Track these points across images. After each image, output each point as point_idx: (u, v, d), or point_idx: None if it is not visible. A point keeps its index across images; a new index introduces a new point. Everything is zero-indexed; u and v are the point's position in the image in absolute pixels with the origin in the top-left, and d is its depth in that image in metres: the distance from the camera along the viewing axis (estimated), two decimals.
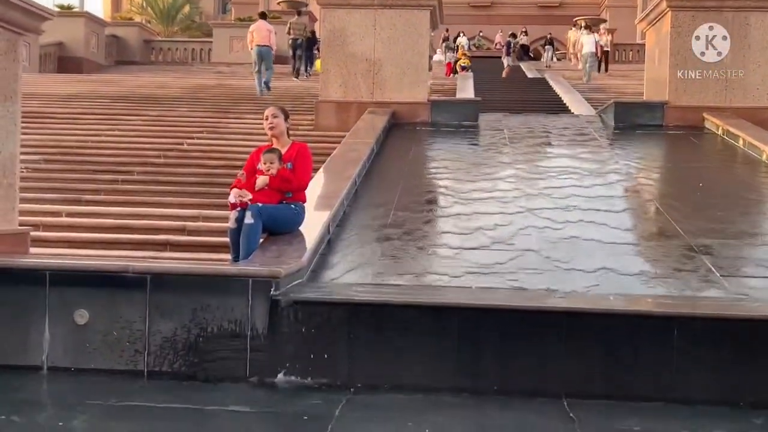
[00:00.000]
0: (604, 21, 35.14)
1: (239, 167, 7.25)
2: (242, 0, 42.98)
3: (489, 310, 5.19)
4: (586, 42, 24.62)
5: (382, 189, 9.18)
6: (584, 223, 7.74)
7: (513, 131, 12.65)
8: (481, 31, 44.97)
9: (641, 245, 7.39)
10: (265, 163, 6.59)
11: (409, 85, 13.44)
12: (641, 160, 11.05)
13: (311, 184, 7.45)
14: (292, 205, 6.66)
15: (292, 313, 5.09)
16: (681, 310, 5.28)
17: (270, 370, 5.04)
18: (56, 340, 5.16)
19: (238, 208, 6.39)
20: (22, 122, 6.94)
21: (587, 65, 24.06)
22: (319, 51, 20.39)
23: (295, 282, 5.58)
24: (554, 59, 33.04)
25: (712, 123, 12.72)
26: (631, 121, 13.28)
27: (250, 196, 6.39)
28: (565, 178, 9.46)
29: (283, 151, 6.75)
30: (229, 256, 6.60)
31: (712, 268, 6.57)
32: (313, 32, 24.19)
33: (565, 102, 19.29)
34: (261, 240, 6.38)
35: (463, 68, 26.61)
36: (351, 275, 6.42)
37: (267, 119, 6.88)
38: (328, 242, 7.07)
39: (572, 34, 29.93)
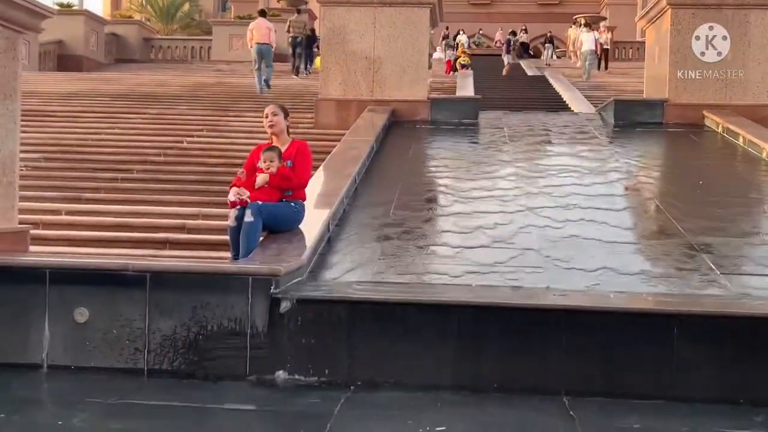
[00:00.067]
0: (604, 19, 35.09)
1: (239, 165, 7.25)
2: None
3: (489, 308, 5.19)
4: (585, 39, 24.61)
5: (382, 187, 9.17)
6: (585, 222, 7.72)
7: (513, 129, 12.64)
8: (480, 29, 44.94)
9: (642, 244, 7.37)
10: (264, 162, 6.58)
11: (408, 83, 13.43)
12: (641, 158, 11.04)
13: (311, 182, 7.45)
14: (292, 203, 6.66)
15: (292, 311, 5.09)
16: (681, 308, 5.27)
17: (270, 368, 5.04)
18: (56, 338, 5.16)
19: (238, 206, 6.38)
20: (22, 120, 6.93)
21: (587, 63, 24.05)
22: (318, 49, 20.39)
23: (295, 280, 5.58)
24: (554, 57, 33.03)
25: (711, 120, 12.71)
26: (631, 118, 13.27)
27: (248, 194, 6.39)
28: (565, 177, 9.45)
29: (283, 149, 6.75)
30: (228, 255, 6.60)
31: (713, 267, 6.57)
32: (312, 30, 24.19)
33: (564, 100, 19.28)
34: (261, 238, 6.38)
35: (463, 66, 26.59)
36: (351, 273, 6.42)
37: (267, 117, 6.88)
38: (328, 240, 7.06)
39: (572, 32, 29.91)
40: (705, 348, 4.92)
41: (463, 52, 28.41)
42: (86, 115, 14.76)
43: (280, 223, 6.57)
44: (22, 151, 7.11)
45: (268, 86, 17.68)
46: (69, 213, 9.28)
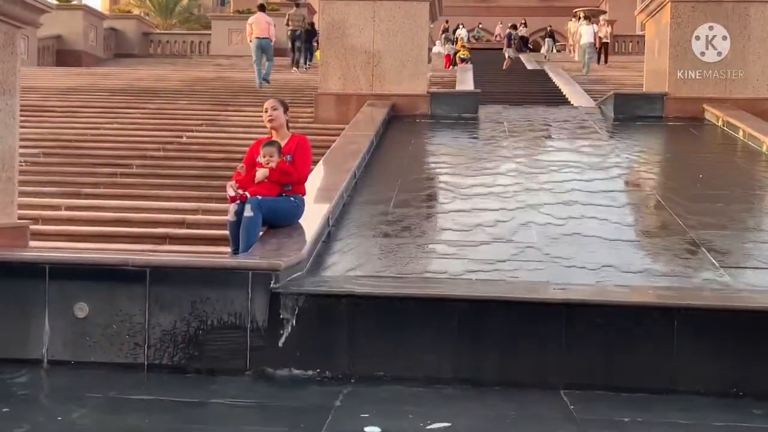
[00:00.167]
0: (604, 12, 35.09)
1: (238, 160, 7.24)
2: None
3: (489, 302, 5.19)
4: (584, 32, 24.57)
5: (381, 182, 9.17)
6: (586, 218, 7.66)
7: (513, 123, 12.63)
8: (480, 23, 44.90)
9: (643, 240, 7.31)
10: (264, 156, 6.58)
11: (408, 78, 13.42)
12: (642, 152, 11.02)
13: (311, 176, 7.44)
14: (292, 198, 6.65)
15: (292, 306, 5.09)
16: (681, 302, 5.27)
17: (270, 362, 5.05)
18: (56, 333, 5.16)
19: (238, 201, 6.38)
20: (21, 116, 6.92)
21: (586, 56, 24.00)
22: (318, 43, 20.37)
23: (295, 275, 5.58)
24: (554, 51, 32.99)
25: (711, 114, 12.70)
26: (630, 112, 13.26)
27: (240, 189, 6.38)
28: (566, 172, 9.41)
29: (283, 143, 6.75)
30: (228, 249, 6.60)
31: (715, 262, 6.54)
32: (312, 24, 24.16)
33: (564, 94, 19.27)
34: (260, 233, 6.37)
35: (463, 60, 26.57)
36: (351, 267, 6.41)
37: (266, 112, 6.87)
38: (328, 235, 7.06)
39: (572, 26, 29.90)
40: (705, 341, 4.92)
41: (463, 46, 28.38)
42: (85, 110, 14.75)
43: (279, 218, 6.57)
44: (21, 147, 7.10)
45: (267, 82, 17.66)
46: (68, 208, 9.28)
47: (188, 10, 42.30)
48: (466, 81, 21.14)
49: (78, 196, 9.85)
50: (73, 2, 30.35)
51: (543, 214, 7.79)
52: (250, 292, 5.09)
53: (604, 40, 26.94)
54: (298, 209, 6.71)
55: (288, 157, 6.67)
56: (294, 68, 22.08)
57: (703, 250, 6.82)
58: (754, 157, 10.56)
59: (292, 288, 5.23)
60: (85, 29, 27.37)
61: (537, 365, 4.97)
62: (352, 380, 4.94)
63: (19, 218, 6.84)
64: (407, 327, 5.07)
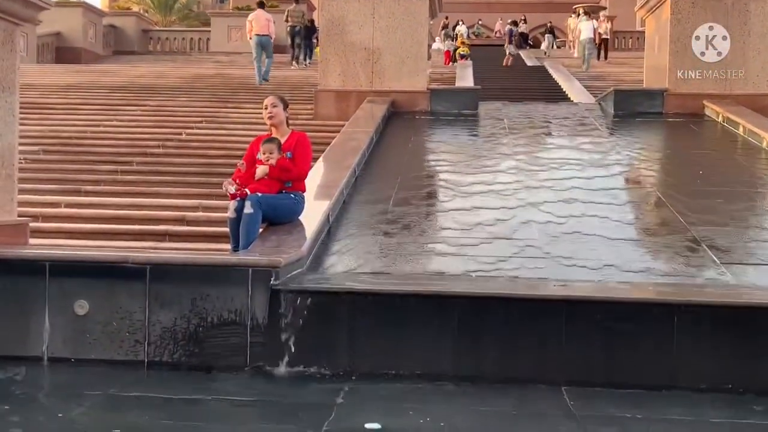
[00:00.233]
0: (604, 8, 35.00)
1: (238, 157, 7.23)
2: None
3: (489, 299, 5.19)
4: (584, 28, 24.49)
5: (382, 178, 9.16)
6: (587, 216, 7.61)
7: (513, 120, 12.62)
8: (480, 20, 44.81)
9: (644, 238, 7.27)
10: (264, 153, 6.58)
11: (408, 74, 13.41)
12: (642, 149, 10.99)
13: (311, 173, 7.43)
14: (292, 195, 6.65)
15: (293, 303, 5.09)
16: (681, 298, 5.27)
17: (270, 359, 5.05)
18: (56, 330, 5.16)
19: (238, 198, 6.38)
20: (21, 113, 6.92)
21: (586, 52, 23.94)
22: (318, 40, 20.34)
23: (295, 271, 5.58)
24: (554, 47, 32.95)
25: (712, 110, 12.69)
26: (630, 108, 13.24)
27: (237, 187, 6.38)
28: (566, 170, 9.38)
29: (283, 140, 6.74)
30: (228, 246, 6.60)
31: (716, 260, 6.50)
32: (312, 21, 24.13)
33: (564, 90, 19.25)
34: (260, 230, 6.37)
35: (462, 56, 26.53)
36: (351, 264, 6.41)
37: (266, 109, 6.87)
38: (328, 232, 7.06)
39: (572, 22, 29.83)
40: (705, 338, 4.92)
41: (462, 43, 28.34)
42: (85, 107, 14.74)
43: (279, 215, 6.57)
44: (21, 144, 7.10)
45: (266, 80, 17.66)
46: (68, 205, 9.28)
47: (187, 7, 42.24)
48: (465, 77, 21.10)
49: (78, 193, 9.85)
50: None
51: (543, 212, 7.76)
52: (250, 289, 5.09)
53: (604, 36, 26.89)
54: (298, 206, 6.71)
55: (288, 153, 6.66)
56: (294, 63, 22.09)
57: (705, 247, 6.79)
58: (754, 153, 10.55)
59: (292, 285, 5.23)
60: (84, 26, 27.32)
61: (537, 362, 4.98)
62: (353, 377, 4.94)
63: (19, 216, 6.84)
64: (407, 324, 5.08)
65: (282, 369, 5.02)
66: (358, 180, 8.89)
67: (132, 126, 13.20)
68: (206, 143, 12.18)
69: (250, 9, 23.70)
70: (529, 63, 26.50)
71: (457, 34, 32.57)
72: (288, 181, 6.62)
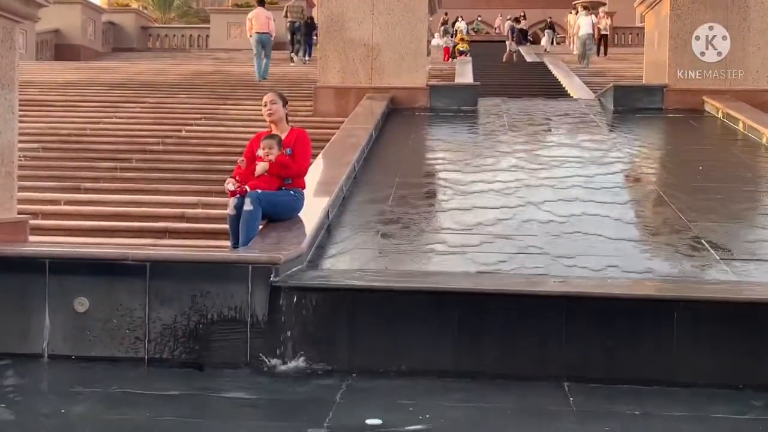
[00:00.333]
0: (603, 4, 34.95)
1: (238, 154, 7.23)
2: None
3: (489, 295, 5.19)
4: (583, 24, 24.43)
5: (381, 175, 9.16)
6: (587, 216, 7.56)
7: (512, 116, 12.61)
8: (479, 16, 44.79)
9: (645, 237, 7.22)
10: (263, 149, 6.57)
11: (407, 70, 13.39)
12: (642, 146, 10.95)
13: (310, 170, 7.43)
14: (292, 192, 6.65)
15: (292, 299, 5.09)
16: (681, 294, 5.28)
17: (270, 356, 5.05)
18: (56, 328, 5.16)
19: (237, 195, 6.37)
20: (20, 110, 6.92)
21: (585, 48, 23.89)
22: (317, 37, 20.33)
23: (295, 268, 5.58)
24: (554, 43, 32.92)
25: (711, 106, 12.68)
26: (630, 104, 13.24)
27: (238, 185, 6.38)
28: (567, 167, 9.36)
29: (282, 137, 6.74)
30: (228, 243, 6.60)
31: (718, 257, 6.48)
32: (311, 18, 24.11)
33: (564, 86, 19.25)
34: (260, 226, 6.37)
35: (461, 53, 26.53)
36: (351, 261, 6.42)
37: (265, 106, 6.86)
38: (328, 228, 7.06)
39: (572, 18, 29.79)
40: (705, 333, 4.92)
41: (462, 39, 28.33)
42: (84, 104, 14.74)
43: (279, 212, 6.57)
44: (20, 141, 7.09)
45: (265, 78, 17.65)
46: (68, 203, 9.28)
47: (187, 3, 42.13)
48: (465, 73, 21.11)
49: (77, 190, 9.84)
50: None
51: (544, 211, 7.71)
52: (250, 285, 5.10)
53: (603, 32, 26.86)
54: (298, 203, 6.71)
55: (287, 150, 6.66)
56: (293, 55, 22.10)
57: (706, 246, 6.74)
58: (754, 149, 10.55)
59: (292, 282, 5.24)
60: (83, 23, 27.31)
61: (537, 358, 4.98)
62: (353, 374, 4.95)
63: (19, 213, 6.83)
64: (407, 320, 5.08)
65: (282, 366, 5.03)
66: (358, 177, 8.89)
67: (131, 123, 13.20)
68: (206, 140, 12.18)
69: (249, 6, 23.73)
70: (528, 59, 26.49)
71: (456, 31, 32.58)
72: (288, 177, 6.62)
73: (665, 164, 10.37)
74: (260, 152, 6.59)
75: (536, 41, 35.71)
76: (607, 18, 27.93)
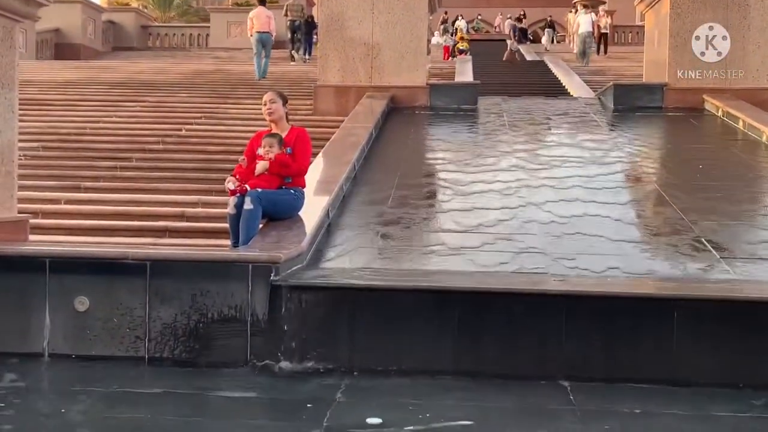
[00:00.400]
0: (604, 2, 34.95)
1: (238, 153, 7.23)
2: None
3: (489, 294, 5.19)
4: (582, 22, 24.39)
5: (381, 174, 9.16)
6: (588, 216, 7.51)
7: (512, 115, 12.60)
8: (479, 14, 44.78)
9: (647, 239, 7.17)
10: (264, 148, 6.58)
11: (407, 69, 13.40)
12: (643, 145, 10.94)
13: (310, 169, 7.43)
14: (292, 190, 6.65)
15: (293, 298, 5.09)
16: (681, 293, 5.28)
17: (270, 355, 5.05)
18: (57, 327, 5.17)
19: (237, 194, 6.38)
20: (20, 110, 6.91)
21: (585, 46, 23.85)
22: (317, 35, 20.33)
23: (295, 267, 5.58)
24: (554, 41, 32.92)
25: (711, 105, 12.68)
26: (630, 103, 13.24)
27: (238, 184, 6.38)
28: (567, 167, 9.33)
29: (283, 135, 6.74)
30: (228, 242, 6.60)
31: (720, 258, 6.46)
32: (311, 17, 24.11)
33: (564, 85, 19.25)
34: (260, 225, 6.37)
35: (461, 51, 26.53)
36: (351, 260, 6.41)
37: (265, 105, 6.86)
38: (328, 227, 7.06)
39: (572, 16, 29.79)
40: (706, 332, 4.92)
41: (462, 38, 28.33)
42: (84, 103, 14.74)
43: (279, 211, 6.57)
44: (20, 141, 7.09)
45: (264, 77, 17.65)
46: (68, 202, 9.28)
47: (187, 2, 42.12)
48: (465, 72, 21.11)
49: (78, 189, 9.85)
50: None
51: (545, 212, 7.67)
52: (250, 284, 5.10)
53: (603, 31, 26.86)
54: (298, 201, 6.71)
55: (288, 149, 6.66)
56: (293, 53, 22.12)
57: (708, 246, 6.70)
58: (754, 147, 10.54)
59: (292, 280, 5.24)
60: (83, 22, 27.31)
61: (537, 357, 4.98)
62: (353, 373, 4.95)
63: (19, 212, 6.83)
64: (408, 319, 5.08)
65: (282, 364, 5.03)
66: (358, 176, 8.89)
67: (131, 122, 13.20)
68: (206, 139, 12.18)
69: (249, 5, 23.73)
70: (528, 58, 26.48)
71: (456, 29, 32.58)
72: (288, 176, 6.62)
73: (666, 163, 10.36)
74: (261, 151, 6.59)
75: (536, 40, 35.70)
76: (608, 16, 27.94)
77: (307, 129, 7.15)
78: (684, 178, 9.08)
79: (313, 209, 6.85)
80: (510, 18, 31.72)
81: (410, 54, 13.42)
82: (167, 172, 10.51)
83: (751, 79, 13.00)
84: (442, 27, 33.78)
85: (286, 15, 22.75)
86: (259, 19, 18.21)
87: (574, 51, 25.56)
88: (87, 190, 9.88)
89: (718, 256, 6.50)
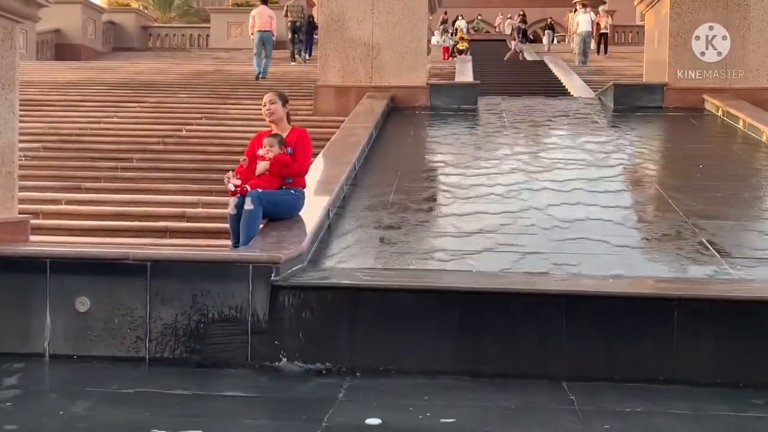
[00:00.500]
0: (604, 2, 34.96)
1: (238, 153, 7.24)
2: None
3: (490, 294, 5.20)
4: (581, 21, 24.37)
5: (381, 174, 9.16)
6: (590, 220, 7.48)
7: (512, 115, 12.61)
8: (479, 15, 44.78)
9: (650, 242, 7.14)
10: (264, 148, 6.59)
11: (407, 69, 13.41)
12: (643, 145, 10.93)
13: (311, 169, 7.44)
14: (292, 191, 6.66)
15: (293, 298, 5.09)
16: (681, 292, 5.28)
17: (271, 355, 5.06)
18: (57, 327, 5.17)
19: (238, 194, 6.38)
20: (20, 110, 6.92)
21: (584, 45, 23.82)
22: (317, 36, 20.34)
23: (296, 267, 5.58)
24: (555, 42, 32.92)
25: (711, 104, 12.68)
26: (630, 103, 13.25)
27: (239, 182, 6.38)
28: (568, 167, 9.31)
29: (284, 136, 6.74)
30: (229, 242, 6.60)
31: (722, 260, 6.46)
32: (312, 17, 24.12)
33: (564, 84, 19.25)
34: (261, 226, 6.38)
35: (461, 52, 26.53)
36: (351, 260, 6.42)
37: (265, 106, 6.86)
38: (328, 228, 7.06)
39: (571, 16, 29.78)
40: (706, 332, 4.92)
41: (461, 38, 28.32)
42: (85, 104, 14.75)
43: (280, 211, 6.57)
44: (21, 141, 7.10)
45: (264, 77, 17.66)
46: (69, 202, 9.28)
47: (187, 3, 42.14)
48: (465, 72, 21.11)
49: (78, 190, 9.85)
50: None
51: (545, 215, 7.62)
52: (250, 285, 5.10)
53: (604, 31, 26.85)
54: (299, 202, 6.71)
55: (289, 149, 6.67)
56: (297, 57, 22.13)
57: (709, 247, 6.70)
58: (754, 147, 10.54)
59: (293, 281, 5.24)
60: (83, 23, 27.31)
61: (538, 357, 4.98)
62: (354, 373, 4.95)
63: (20, 213, 6.84)
64: (408, 319, 5.08)
65: (283, 365, 5.03)
66: (358, 176, 8.89)
67: (132, 122, 13.21)
68: (206, 139, 12.19)
69: (249, 5, 23.74)
70: (528, 58, 26.49)
71: (456, 29, 32.57)
72: (288, 176, 6.62)
73: (667, 164, 10.36)
74: (261, 151, 6.60)
75: (536, 40, 35.69)
76: (608, 16, 27.93)
77: (308, 129, 7.15)
78: (685, 179, 9.06)
79: (313, 209, 6.86)
80: (511, 18, 31.70)
81: (410, 54, 13.43)
82: (168, 173, 10.51)
83: (751, 79, 13.01)
84: (441, 27, 33.77)
85: (286, 16, 22.76)
86: (260, 17, 18.24)
87: (575, 51, 25.55)
88: (87, 190, 9.89)
89: (721, 258, 6.48)
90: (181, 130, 12.64)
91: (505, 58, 26.58)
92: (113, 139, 12.15)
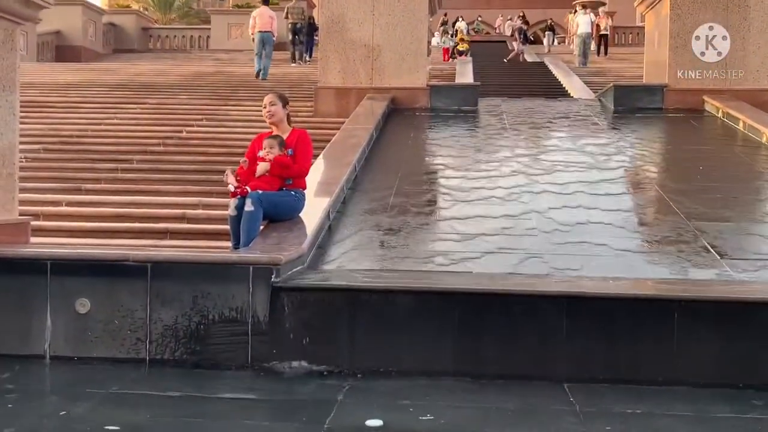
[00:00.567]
0: (604, 4, 34.95)
1: (239, 154, 7.24)
2: None
3: (490, 295, 5.19)
4: (581, 22, 24.37)
5: (382, 175, 9.16)
6: (591, 223, 7.47)
7: (512, 116, 12.61)
8: (480, 16, 44.80)
9: (651, 245, 7.14)
10: (264, 149, 6.59)
11: (408, 71, 13.42)
12: (644, 147, 10.92)
13: (311, 170, 7.43)
14: (293, 192, 6.66)
15: (294, 300, 5.09)
16: (682, 294, 5.28)
17: (272, 356, 5.06)
18: (58, 329, 5.17)
19: (238, 196, 6.38)
20: (21, 112, 6.92)
21: (584, 46, 23.81)
22: (318, 37, 20.36)
23: (296, 269, 5.59)
24: (555, 43, 32.95)
25: (711, 105, 12.69)
26: (630, 104, 13.25)
27: (237, 183, 6.39)
28: (568, 169, 9.31)
29: (284, 137, 6.75)
30: (229, 244, 6.60)
31: (722, 260, 6.46)
32: (312, 18, 24.14)
33: (564, 86, 19.25)
34: (261, 227, 6.38)
35: (461, 53, 26.54)
36: (351, 261, 6.42)
37: (265, 107, 6.86)
38: (329, 229, 7.06)
39: (571, 17, 29.79)
40: (706, 333, 4.92)
41: (462, 40, 28.33)
42: (85, 105, 14.75)
43: (280, 212, 6.57)
44: (21, 143, 7.09)
45: (265, 78, 17.67)
46: (69, 204, 9.29)
47: (187, 4, 42.19)
48: (465, 74, 21.12)
49: (78, 191, 9.86)
50: None
51: (546, 218, 7.61)
52: (251, 286, 5.10)
53: (604, 32, 26.86)
54: (299, 203, 6.71)
55: (289, 151, 6.67)
56: (298, 58, 22.16)
57: (711, 249, 6.69)
58: (754, 148, 10.54)
59: (293, 282, 5.24)
60: (84, 25, 27.32)
61: (538, 358, 4.98)
62: (354, 374, 4.95)
63: (20, 214, 6.84)
64: (408, 320, 5.08)
65: (283, 366, 5.03)
66: (359, 177, 8.89)
67: (132, 124, 13.22)
68: (206, 141, 12.19)
69: (249, 6, 23.76)
70: (528, 59, 26.49)
71: (456, 31, 32.58)
72: (289, 178, 6.62)
73: (668, 166, 10.36)
74: (261, 153, 6.60)
75: (536, 41, 35.71)
76: (608, 18, 27.93)
77: (308, 131, 7.15)
78: (686, 182, 9.05)
79: (313, 211, 6.86)
80: (511, 19, 31.71)
81: (411, 55, 13.44)
82: (168, 174, 10.52)
83: (751, 80, 13.02)
84: (442, 28, 33.79)
85: (286, 18, 22.79)
86: (261, 18, 18.28)
87: (575, 52, 25.56)
88: (88, 192, 9.90)
89: (722, 261, 6.47)
90: (181, 132, 12.65)
91: (506, 59, 26.58)
92: (113, 140, 12.15)
